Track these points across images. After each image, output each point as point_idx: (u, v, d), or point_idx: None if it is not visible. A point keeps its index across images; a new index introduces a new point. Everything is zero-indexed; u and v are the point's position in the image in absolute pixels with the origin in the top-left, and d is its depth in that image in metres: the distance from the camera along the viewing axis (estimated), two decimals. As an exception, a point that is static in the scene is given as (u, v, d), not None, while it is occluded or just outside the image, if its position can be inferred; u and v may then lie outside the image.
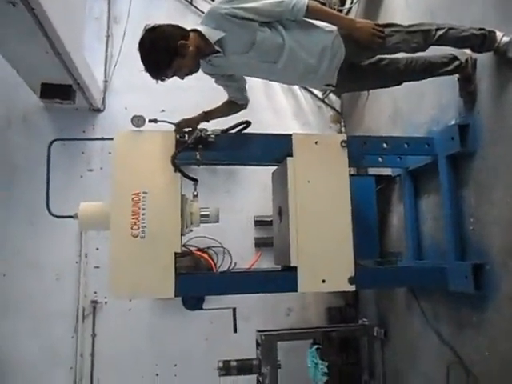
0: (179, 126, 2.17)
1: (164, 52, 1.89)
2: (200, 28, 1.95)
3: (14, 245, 3.59)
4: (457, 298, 2.32)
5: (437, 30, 2.07)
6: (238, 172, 3.83)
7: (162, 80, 1.98)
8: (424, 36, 2.06)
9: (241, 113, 2.32)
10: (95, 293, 3.61)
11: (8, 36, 2.66)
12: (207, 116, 2.24)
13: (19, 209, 3.62)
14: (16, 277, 3.55)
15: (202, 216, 2.18)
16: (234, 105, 2.29)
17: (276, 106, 4.06)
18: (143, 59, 1.92)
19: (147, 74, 1.97)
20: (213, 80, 2.24)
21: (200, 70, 2.11)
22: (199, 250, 3.57)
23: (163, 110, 3.37)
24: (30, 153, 3.61)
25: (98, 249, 3.58)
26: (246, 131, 2.23)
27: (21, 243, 3.59)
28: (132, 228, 2.01)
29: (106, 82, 3.89)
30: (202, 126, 2.19)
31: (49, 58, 2.89)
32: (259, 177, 3.43)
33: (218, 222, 2.20)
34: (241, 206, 3.76)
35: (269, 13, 1.92)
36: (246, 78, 2.25)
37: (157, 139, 2.13)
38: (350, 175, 2.24)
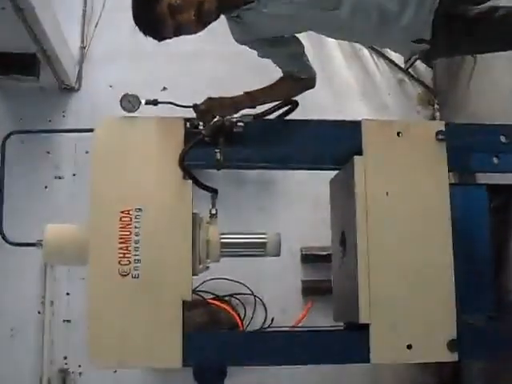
0: (200, 111, 2.14)
1: None
2: None
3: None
4: None
5: None
6: (277, 180, 3.76)
7: (162, 35, 1.96)
8: None
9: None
10: (65, 358, 3.58)
11: None
12: (251, 98, 2.22)
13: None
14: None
15: (253, 246, 2.20)
16: (293, 82, 2.26)
17: (335, 81, 3.99)
18: (133, 7, 1.95)
19: (141, 35, 1.96)
20: (236, 44, 2.22)
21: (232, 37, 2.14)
22: (218, 298, 3.52)
23: (165, 88, 3.37)
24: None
25: (68, 294, 3.57)
26: (290, 117, 2.20)
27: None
28: (120, 263, 2.01)
29: (83, 48, 3.93)
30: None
31: (5, 16, 2.90)
32: (309, 187, 3.38)
33: (278, 255, 2.24)
34: (281, 232, 3.52)
35: None
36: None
37: (157, 130, 2.13)
38: (450, 184, 2.20)
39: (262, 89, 2.25)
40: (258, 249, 2.21)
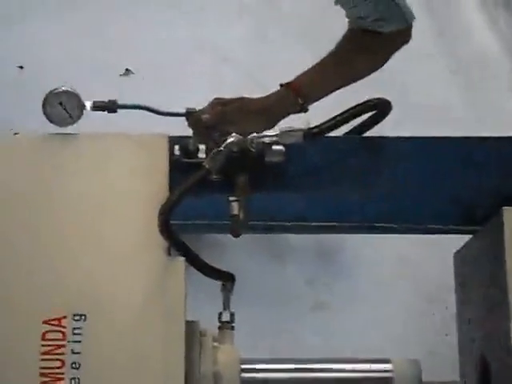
0: (201, 123, 1.69)
1: None
2: None
3: None
4: None
5: None
6: (346, 254, 2.92)
7: None
8: None
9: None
10: None
11: None
12: (302, 87, 1.70)
13: None
14: None
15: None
16: (370, 39, 1.74)
17: (467, 41, 2.82)
18: None
19: None
20: None
21: None
22: None
23: (128, 71, 2.67)
24: None
25: None
26: (374, 132, 1.76)
27: None
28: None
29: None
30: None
31: None
32: (407, 266, 2.55)
33: None
34: (358, 354, 3.00)
35: None
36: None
37: (116, 160, 1.70)
38: None
39: (319, 64, 1.70)
40: None
